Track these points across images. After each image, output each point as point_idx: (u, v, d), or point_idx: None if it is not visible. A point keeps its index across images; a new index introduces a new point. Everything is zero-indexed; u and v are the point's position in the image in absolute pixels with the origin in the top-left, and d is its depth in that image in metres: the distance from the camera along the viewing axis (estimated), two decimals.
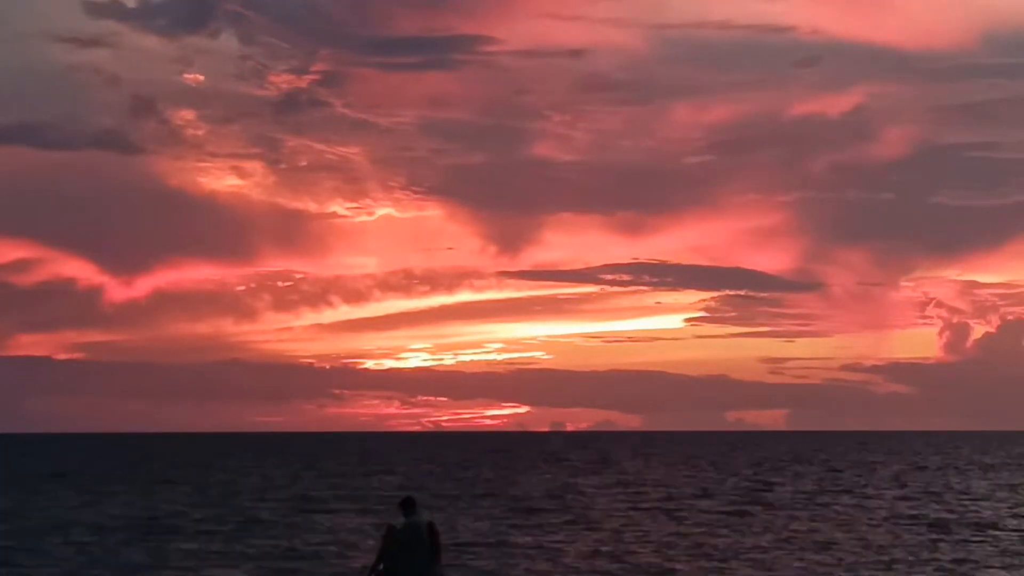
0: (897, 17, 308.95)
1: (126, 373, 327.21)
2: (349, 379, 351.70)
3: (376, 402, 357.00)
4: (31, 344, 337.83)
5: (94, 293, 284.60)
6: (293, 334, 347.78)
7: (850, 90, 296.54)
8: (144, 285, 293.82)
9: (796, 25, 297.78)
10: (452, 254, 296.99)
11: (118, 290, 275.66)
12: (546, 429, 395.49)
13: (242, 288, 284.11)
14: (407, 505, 23.05)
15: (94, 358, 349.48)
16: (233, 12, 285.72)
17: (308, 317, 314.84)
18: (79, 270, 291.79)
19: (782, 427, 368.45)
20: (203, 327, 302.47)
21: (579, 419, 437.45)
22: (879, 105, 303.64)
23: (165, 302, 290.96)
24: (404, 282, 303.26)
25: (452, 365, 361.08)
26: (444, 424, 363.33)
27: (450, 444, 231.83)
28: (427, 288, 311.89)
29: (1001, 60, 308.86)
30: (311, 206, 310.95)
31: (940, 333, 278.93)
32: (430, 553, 22.72)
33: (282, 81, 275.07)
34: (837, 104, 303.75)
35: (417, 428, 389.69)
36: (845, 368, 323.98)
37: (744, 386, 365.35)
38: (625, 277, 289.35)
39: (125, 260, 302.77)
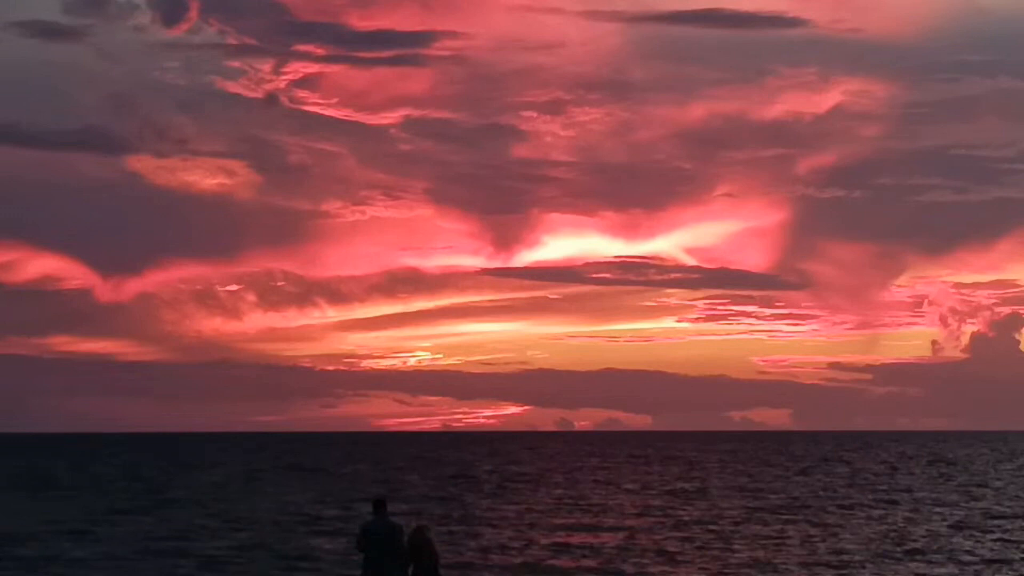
0: (881, 13, 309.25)
1: (115, 373, 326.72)
2: (348, 379, 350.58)
3: (378, 402, 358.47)
4: (19, 344, 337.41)
5: (82, 293, 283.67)
6: (286, 334, 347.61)
7: (834, 87, 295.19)
8: (132, 285, 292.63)
9: (780, 19, 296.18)
10: (447, 254, 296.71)
11: (106, 290, 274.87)
12: (552, 428, 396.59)
13: (234, 288, 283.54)
14: (376, 505, 23.55)
15: (83, 358, 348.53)
16: (215, 9, 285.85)
17: (302, 317, 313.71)
18: (68, 270, 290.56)
19: (788, 427, 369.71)
20: (195, 327, 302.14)
21: (582, 419, 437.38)
22: (864, 102, 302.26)
23: (154, 302, 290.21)
24: (399, 282, 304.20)
25: (451, 365, 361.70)
26: (449, 424, 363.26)
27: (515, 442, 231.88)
28: (424, 288, 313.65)
29: (984, 57, 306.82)
30: (302, 205, 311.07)
31: (932, 332, 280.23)
32: (400, 555, 22.95)
33: (266, 78, 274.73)
34: (822, 101, 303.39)
35: (420, 428, 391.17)
36: (838, 368, 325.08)
37: (743, 385, 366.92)
38: (619, 277, 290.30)
39: (114, 260, 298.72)
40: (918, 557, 42.26)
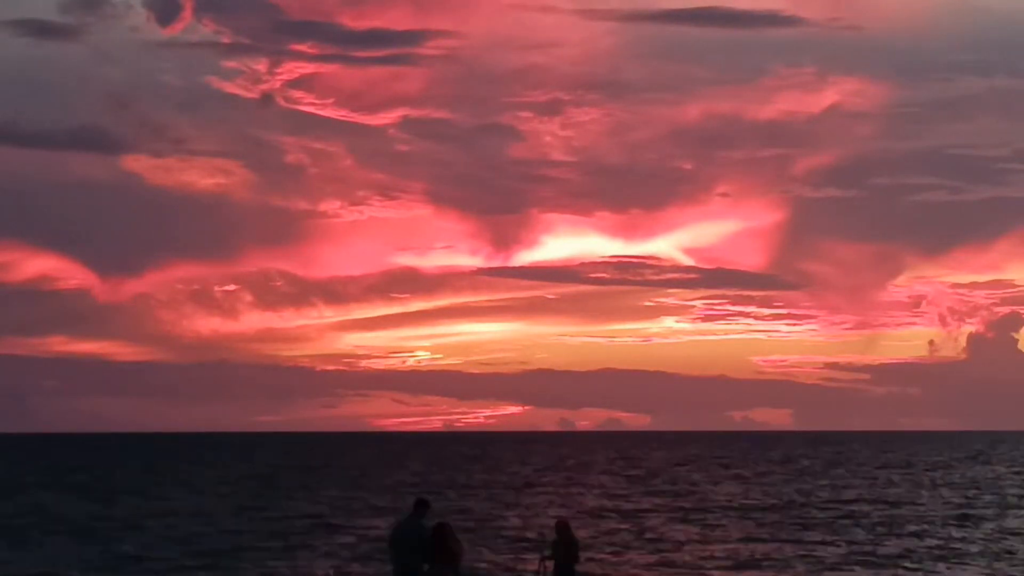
0: (878, 12, 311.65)
1: (113, 373, 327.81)
2: (348, 379, 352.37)
3: (377, 402, 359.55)
4: (16, 344, 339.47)
5: (80, 293, 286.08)
6: (284, 334, 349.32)
7: (830, 86, 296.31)
8: (130, 285, 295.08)
9: (776, 17, 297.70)
10: (445, 254, 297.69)
11: (103, 290, 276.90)
12: (553, 428, 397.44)
13: (231, 288, 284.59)
14: (416, 505, 24.02)
15: (80, 358, 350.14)
16: (209, 8, 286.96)
17: (299, 318, 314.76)
18: (65, 270, 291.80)
19: (789, 427, 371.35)
20: (192, 327, 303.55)
21: (584, 419, 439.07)
22: (860, 102, 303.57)
23: (151, 302, 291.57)
24: (397, 282, 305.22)
25: (451, 365, 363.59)
26: (450, 424, 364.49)
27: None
28: (422, 288, 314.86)
29: (980, 56, 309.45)
30: (298, 205, 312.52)
31: (930, 332, 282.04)
32: (424, 554, 23.37)
33: (261, 78, 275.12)
34: (818, 101, 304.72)
35: (420, 428, 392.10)
36: (837, 368, 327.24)
37: (742, 385, 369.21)
38: (617, 277, 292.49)
39: (111, 260, 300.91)
40: None
